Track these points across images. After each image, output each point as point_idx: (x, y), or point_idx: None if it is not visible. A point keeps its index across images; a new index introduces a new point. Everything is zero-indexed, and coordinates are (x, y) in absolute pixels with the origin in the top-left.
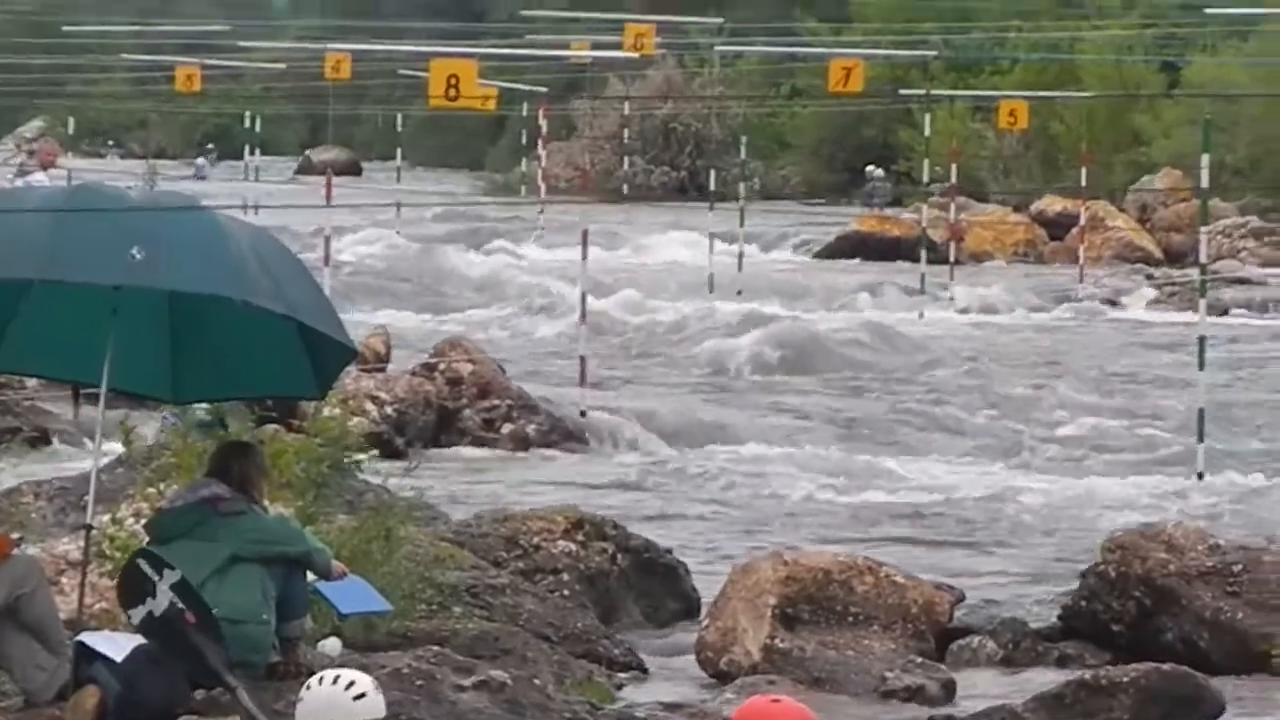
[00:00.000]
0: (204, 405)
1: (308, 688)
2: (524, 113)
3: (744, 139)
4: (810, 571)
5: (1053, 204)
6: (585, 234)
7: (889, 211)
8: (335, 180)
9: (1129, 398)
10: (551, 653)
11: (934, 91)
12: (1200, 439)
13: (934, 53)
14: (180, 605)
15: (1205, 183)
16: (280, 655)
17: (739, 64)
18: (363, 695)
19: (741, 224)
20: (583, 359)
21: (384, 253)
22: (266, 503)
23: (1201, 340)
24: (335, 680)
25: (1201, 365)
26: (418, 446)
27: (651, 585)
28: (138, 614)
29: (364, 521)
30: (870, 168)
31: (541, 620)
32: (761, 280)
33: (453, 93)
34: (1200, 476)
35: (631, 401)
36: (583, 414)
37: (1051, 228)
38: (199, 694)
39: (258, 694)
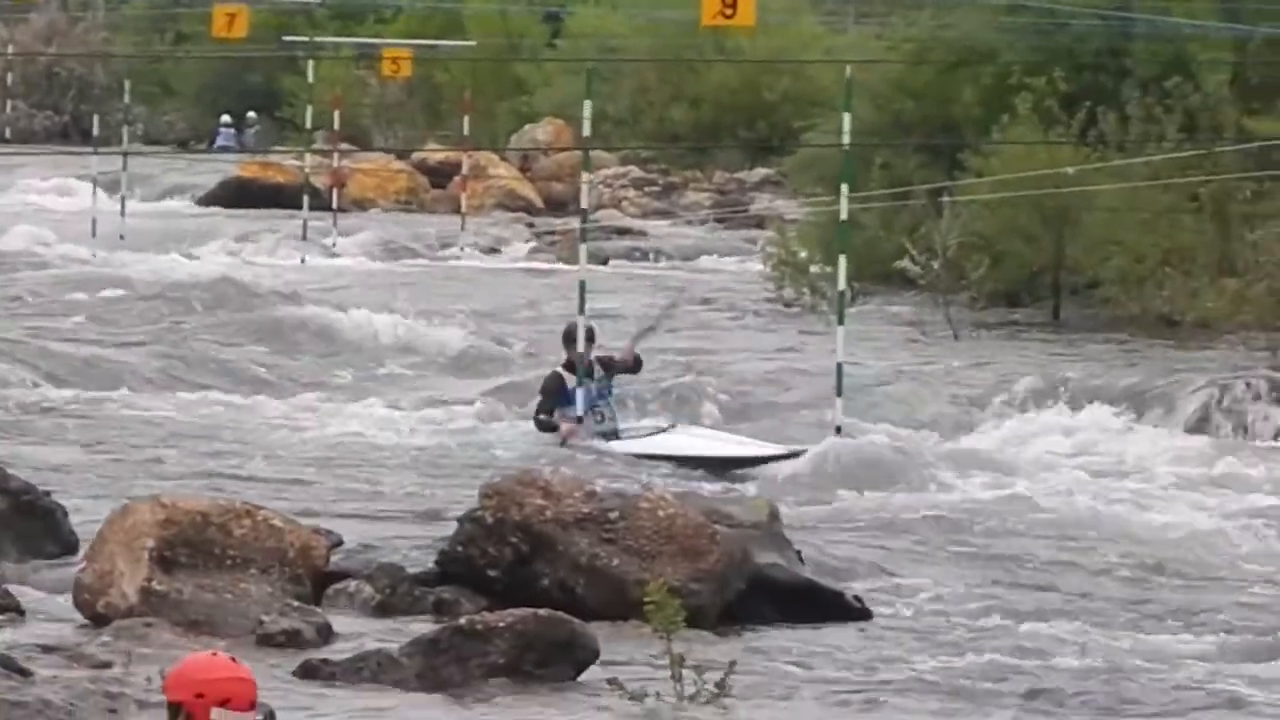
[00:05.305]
0: None
1: None
2: None
3: (128, 84)
4: (188, 514)
5: (435, 153)
6: None
7: (274, 158)
8: None
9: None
10: None
11: (318, 39)
12: (582, 386)
13: (319, 0)
14: None
15: (587, 132)
16: None
17: (125, 9)
18: None
19: (125, 169)
20: None
21: None
22: None
23: (582, 285)
24: None
25: (582, 309)
26: None
27: (30, 527)
28: None
29: None
30: (224, 116)
31: None
32: (144, 227)
33: None
34: (582, 420)
35: (18, 342)
36: None
37: (434, 176)
38: None
39: None
